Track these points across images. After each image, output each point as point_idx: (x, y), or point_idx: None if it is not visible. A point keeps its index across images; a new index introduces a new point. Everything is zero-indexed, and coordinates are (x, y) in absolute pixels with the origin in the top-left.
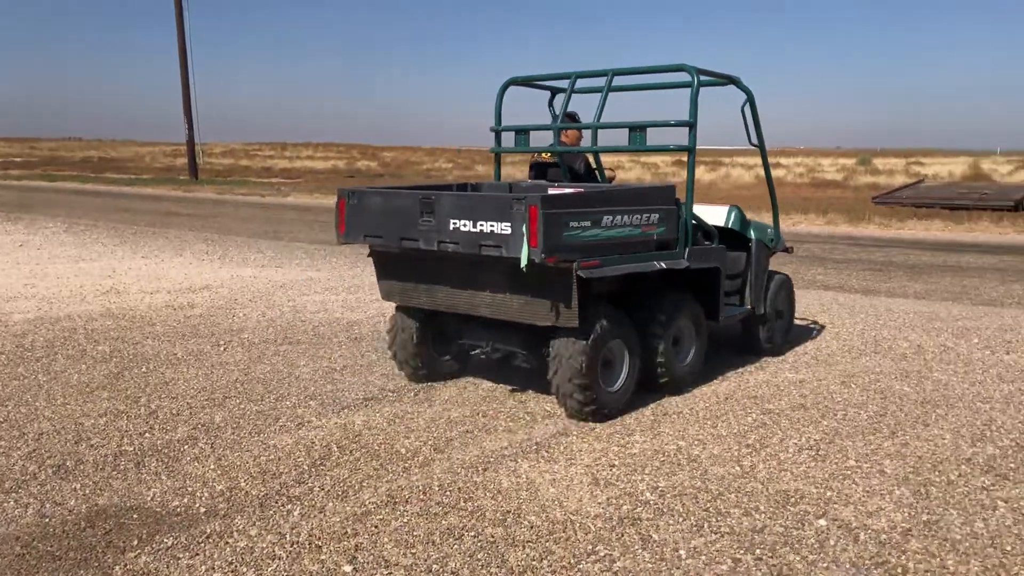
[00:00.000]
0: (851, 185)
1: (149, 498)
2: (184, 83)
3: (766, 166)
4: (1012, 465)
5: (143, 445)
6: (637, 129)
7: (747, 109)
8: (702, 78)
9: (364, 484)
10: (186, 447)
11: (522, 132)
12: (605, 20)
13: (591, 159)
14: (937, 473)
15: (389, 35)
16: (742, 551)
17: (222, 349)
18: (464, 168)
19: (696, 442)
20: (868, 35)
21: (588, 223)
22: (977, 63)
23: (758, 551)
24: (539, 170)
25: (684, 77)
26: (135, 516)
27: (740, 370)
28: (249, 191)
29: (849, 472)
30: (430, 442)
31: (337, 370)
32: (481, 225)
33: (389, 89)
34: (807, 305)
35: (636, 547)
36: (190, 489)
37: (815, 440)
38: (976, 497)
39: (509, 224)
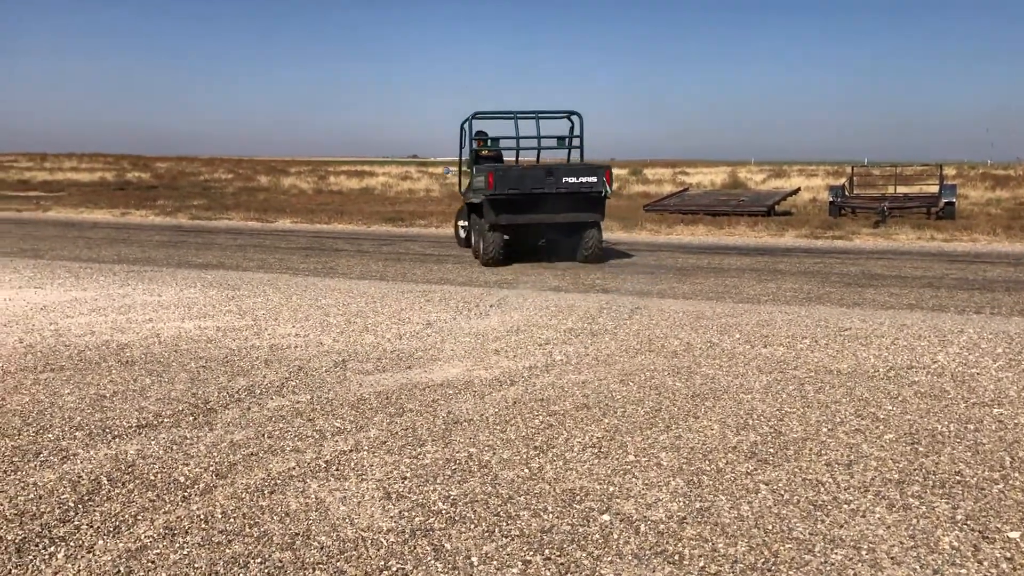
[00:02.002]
0: (625, 194)
1: None
2: None
3: None
4: (772, 450)
5: None
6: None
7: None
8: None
9: (139, 517)
10: None
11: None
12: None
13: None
14: (707, 462)
15: (159, 41)
16: (532, 552)
17: None
18: (246, 179)
19: (487, 448)
20: (637, 53)
21: None
22: (733, 81)
23: (547, 551)
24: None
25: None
26: None
27: (527, 375)
28: (2, 206)
29: (629, 467)
30: (211, 468)
31: (107, 396)
32: (581, 179)
33: (161, 98)
34: (586, 309)
35: (429, 558)
36: None
37: (598, 438)
38: (742, 482)
39: (595, 178)
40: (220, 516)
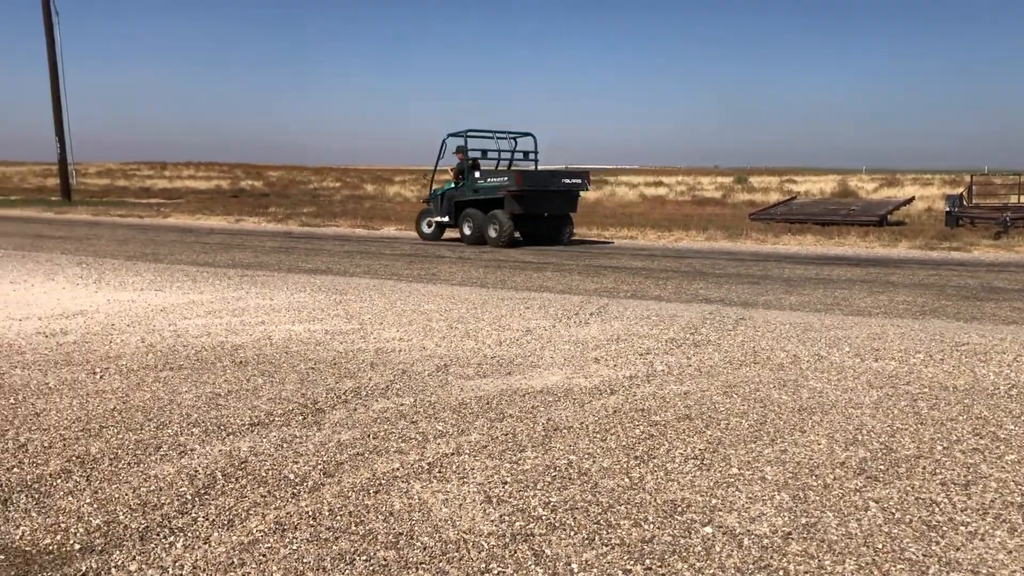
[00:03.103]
0: (729, 203)
1: (18, 537)
2: (55, 99)
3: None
4: (882, 467)
5: (11, 481)
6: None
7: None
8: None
9: (251, 512)
10: (59, 481)
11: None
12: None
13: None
14: (814, 477)
15: (271, 52)
16: (632, 562)
17: (98, 377)
18: (353, 187)
19: (586, 456)
20: (741, 61)
21: None
22: (843, 86)
23: (647, 561)
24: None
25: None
26: (2, 557)
27: (627, 384)
28: (127, 212)
29: (732, 480)
30: (319, 466)
31: (221, 395)
32: (574, 180)
33: (274, 108)
34: (689, 319)
35: (529, 563)
36: (63, 525)
37: (700, 450)
38: (850, 499)
39: (581, 180)
40: (328, 513)
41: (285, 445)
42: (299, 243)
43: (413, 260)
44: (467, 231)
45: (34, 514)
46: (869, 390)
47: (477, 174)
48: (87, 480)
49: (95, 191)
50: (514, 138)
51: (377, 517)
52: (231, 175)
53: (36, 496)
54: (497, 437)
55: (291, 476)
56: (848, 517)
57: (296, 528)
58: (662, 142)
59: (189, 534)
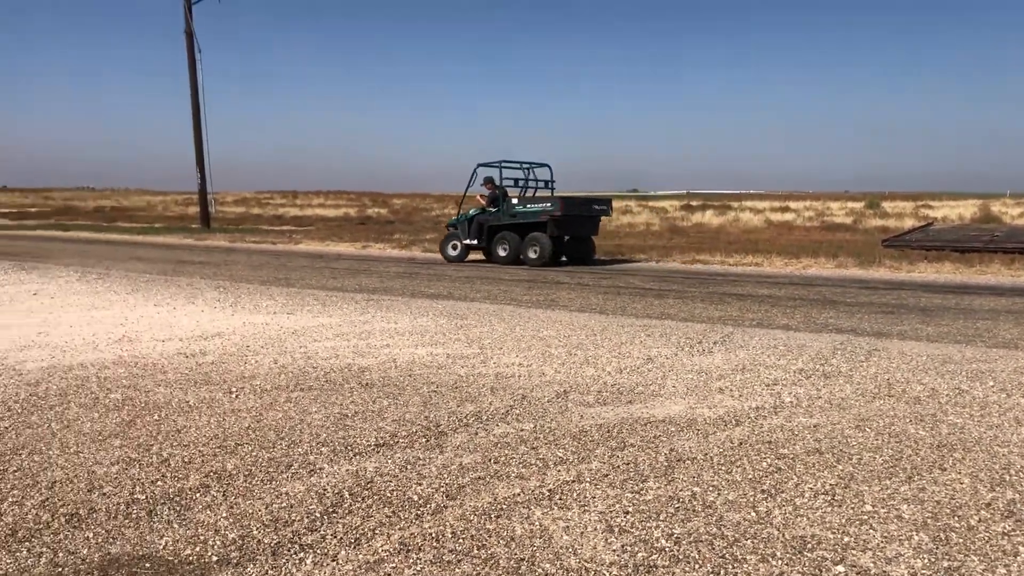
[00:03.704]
0: (860, 228)
1: (161, 547)
2: (196, 132)
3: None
4: None
5: (155, 493)
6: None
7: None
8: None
9: (377, 531)
10: (198, 495)
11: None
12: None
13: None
14: (956, 519)
15: (395, 84)
16: None
17: (234, 396)
18: None
19: (711, 488)
20: (871, 80)
21: None
22: (985, 106)
23: None
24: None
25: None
26: (147, 565)
27: (753, 416)
28: (260, 239)
29: (866, 517)
30: (442, 489)
31: (349, 416)
32: (602, 206)
33: (398, 137)
34: (818, 349)
35: None
36: (202, 537)
37: (831, 485)
38: (997, 543)
39: (607, 206)
40: (450, 536)
41: (409, 467)
42: (422, 269)
43: (531, 286)
44: (501, 252)
45: (176, 525)
46: (1017, 427)
47: (515, 201)
48: (223, 495)
49: (231, 219)
50: (533, 168)
51: (499, 542)
52: (358, 203)
53: (177, 509)
54: (618, 466)
55: (415, 497)
56: (995, 562)
57: (420, 549)
58: (789, 166)
59: (318, 551)
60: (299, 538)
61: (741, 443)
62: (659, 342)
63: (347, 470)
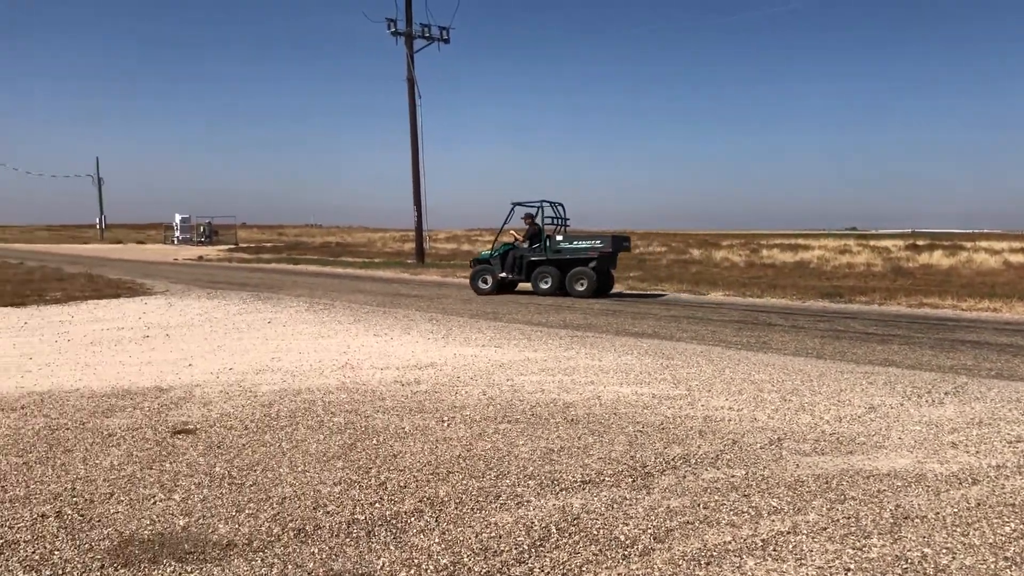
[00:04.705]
0: None
1: (379, 567)
2: (415, 173)
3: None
4: None
5: (373, 515)
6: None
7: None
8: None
9: (584, 569)
10: (412, 519)
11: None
12: None
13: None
14: None
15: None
16: None
17: (446, 425)
18: (679, 252)
19: (944, 550)
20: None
21: None
22: None
23: None
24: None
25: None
26: None
27: (994, 475)
28: (464, 274)
29: None
30: (649, 531)
31: (555, 451)
32: (626, 243)
33: (599, 180)
34: None
35: None
36: (416, 561)
37: None
38: None
39: (628, 243)
40: None
41: (615, 506)
42: (624, 307)
43: (742, 327)
44: (543, 285)
45: (392, 548)
46: None
47: (559, 238)
48: (436, 521)
49: (443, 254)
50: (556, 206)
51: None
52: None
53: (393, 531)
54: (838, 520)
55: (621, 537)
56: None
57: None
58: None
59: None
60: (508, 569)
61: (979, 503)
62: (883, 390)
63: (554, 504)
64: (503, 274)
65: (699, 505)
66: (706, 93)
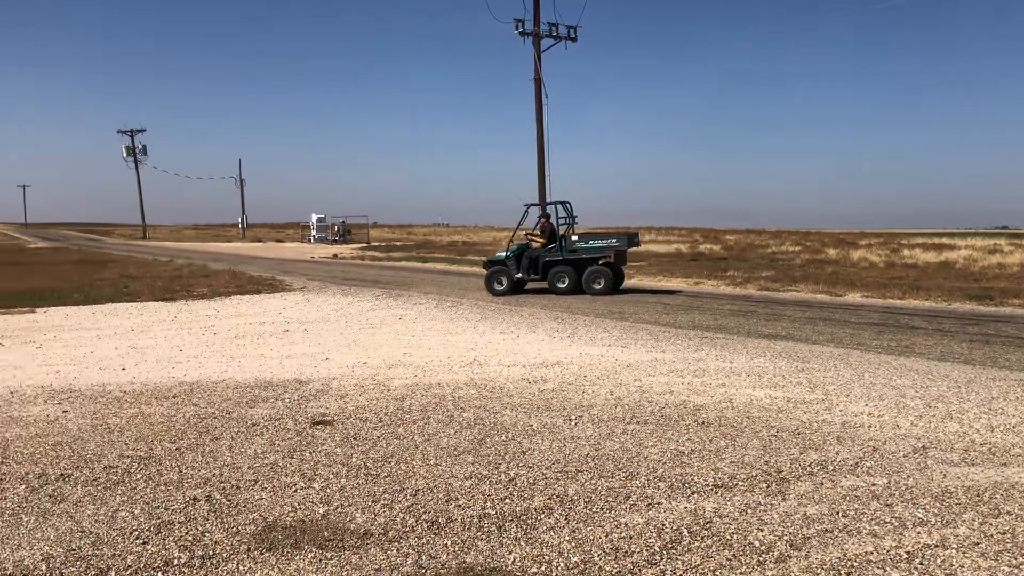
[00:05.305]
0: None
1: (510, 562)
2: (540, 172)
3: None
4: None
5: (504, 510)
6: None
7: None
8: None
9: (717, 573)
10: (542, 516)
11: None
12: None
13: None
14: None
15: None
16: None
17: (573, 424)
18: (813, 252)
19: None
20: None
21: None
22: None
23: None
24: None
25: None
26: None
27: None
28: None
29: None
30: (785, 537)
31: (685, 453)
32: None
33: (732, 174)
34: None
35: None
36: (547, 557)
37: None
38: None
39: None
40: None
41: (749, 511)
42: (758, 307)
43: (882, 330)
44: (560, 285)
45: (523, 543)
46: None
47: (575, 238)
48: (566, 519)
49: None
50: (563, 205)
51: None
52: (689, 239)
53: (524, 527)
54: (991, 535)
55: (756, 543)
56: None
57: None
58: None
59: None
60: (639, 570)
61: None
62: None
63: (685, 507)
64: (519, 275)
65: (838, 513)
66: (846, 88)
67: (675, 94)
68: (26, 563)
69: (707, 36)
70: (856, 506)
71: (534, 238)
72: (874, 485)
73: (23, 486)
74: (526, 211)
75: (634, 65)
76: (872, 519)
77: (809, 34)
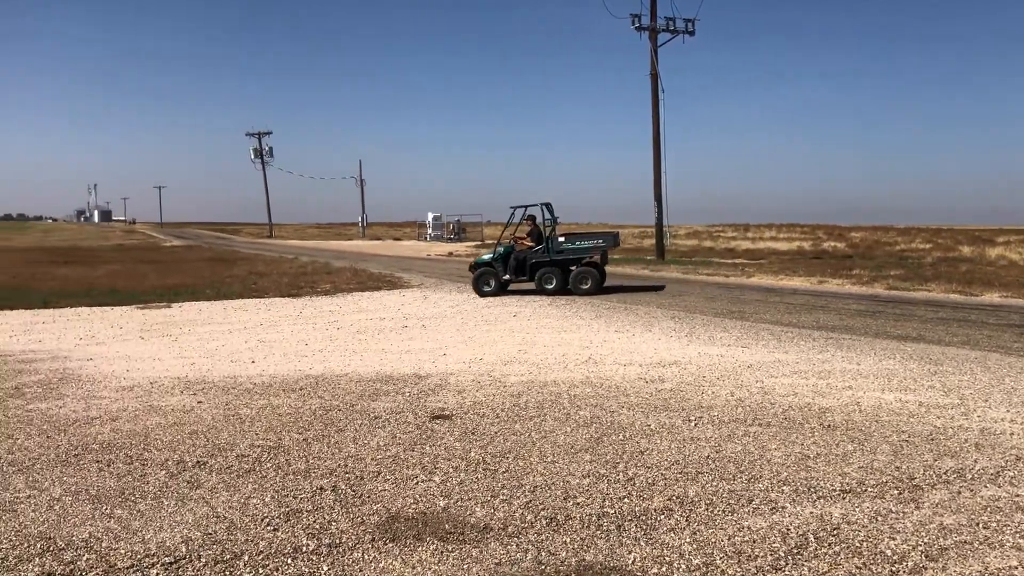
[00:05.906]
0: None
1: (630, 561)
2: (656, 169)
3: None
4: None
5: (622, 509)
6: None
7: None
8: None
9: None
10: (662, 517)
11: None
12: None
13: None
14: None
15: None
16: None
17: (693, 424)
18: (946, 249)
19: None
20: None
21: None
22: None
23: None
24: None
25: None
26: None
27: None
28: (713, 271)
29: None
30: (920, 547)
31: (811, 457)
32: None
33: (857, 170)
34: None
35: None
36: (667, 559)
37: None
38: None
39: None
40: None
41: (879, 518)
42: (886, 307)
43: (1023, 333)
44: (548, 286)
45: (643, 543)
46: None
47: (562, 239)
48: (687, 520)
49: (684, 251)
50: (543, 207)
51: None
52: (812, 236)
53: (643, 528)
54: None
55: (887, 552)
56: None
57: None
58: None
59: None
60: (763, 575)
61: None
62: None
63: (811, 512)
64: (506, 276)
65: (977, 524)
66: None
67: (800, 87)
68: (167, 544)
69: (834, 31)
70: (998, 517)
71: (523, 240)
72: (1018, 496)
73: (163, 472)
74: (512, 212)
75: (752, 60)
76: (1016, 531)
77: (934, 31)
